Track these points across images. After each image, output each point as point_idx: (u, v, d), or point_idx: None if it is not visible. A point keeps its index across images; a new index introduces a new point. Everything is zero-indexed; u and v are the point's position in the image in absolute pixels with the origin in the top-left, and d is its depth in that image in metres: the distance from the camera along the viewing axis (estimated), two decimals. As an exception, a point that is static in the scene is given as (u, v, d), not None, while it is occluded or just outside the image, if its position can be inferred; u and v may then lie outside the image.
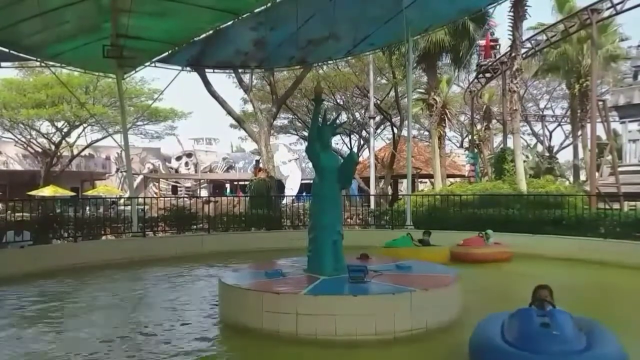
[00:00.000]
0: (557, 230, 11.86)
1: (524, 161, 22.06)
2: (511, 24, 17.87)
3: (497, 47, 24.01)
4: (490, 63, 23.07)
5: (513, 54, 18.02)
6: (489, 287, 8.28)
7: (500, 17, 71.23)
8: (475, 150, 26.50)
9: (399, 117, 26.60)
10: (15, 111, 29.62)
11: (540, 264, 10.54)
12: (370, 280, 5.92)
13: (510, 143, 21.40)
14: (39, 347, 5.24)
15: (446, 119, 24.83)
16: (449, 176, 27.05)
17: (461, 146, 39.85)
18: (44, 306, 7.24)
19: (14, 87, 30.05)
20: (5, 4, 10.34)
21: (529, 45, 21.22)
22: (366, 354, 4.99)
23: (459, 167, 31.36)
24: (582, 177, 27.02)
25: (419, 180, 32.41)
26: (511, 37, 18.02)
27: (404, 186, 31.01)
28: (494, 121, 30.42)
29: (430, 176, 27.54)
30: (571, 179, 31.84)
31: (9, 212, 12.19)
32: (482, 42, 22.91)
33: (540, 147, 41.93)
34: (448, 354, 4.97)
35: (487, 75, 23.91)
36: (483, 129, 29.02)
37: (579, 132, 27.60)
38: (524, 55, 19.81)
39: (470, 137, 30.37)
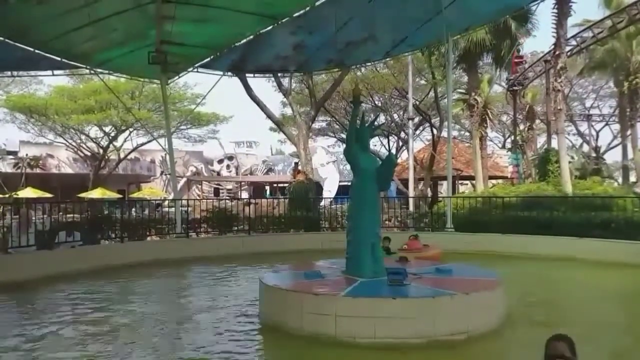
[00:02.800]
0: (605, 233, 11.43)
1: (569, 162, 21.34)
2: (555, 21, 17.36)
3: (523, 63, 24.45)
4: (517, 78, 22.80)
5: (557, 52, 17.48)
6: (530, 292, 8.08)
7: (544, 15, 69.14)
8: (518, 151, 25.86)
9: (438, 118, 26.25)
10: (66, 117, 30.98)
11: (585, 268, 10.21)
12: (410, 283, 5.91)
13: (554, 143, 20.83)
14: (115, 323, 5.74)
15: (488, 119, 24.34)
16: (490, 178, 26.49)
17: (503, 147, 38.93)
18: (105, 297, 7.92)
19: (66, 93, 31.44)
20: (58, 15, 10.86)
21: (574, 42, 20.58)
22: (406, 358, 4.97)
23: (501, 168, 30.64)
24: (632, 179, 25.93)
25: (460, 182, 31.87)
26: (555, 34, 17.51)
27: (443, 188, 30.56)
28: (537, 121, 29.61)
29: (471, 178, 27.03)
30: (620, 180, 30.58)
31: (61, 213, 12.77)
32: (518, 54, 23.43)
33: (586, 148, 40.46)
34: None
35: (516, 88, 23.88)
36: (526, 129, 28.27)
37: (629, 132, 26.53)
38: (568, 53, 19.22)
39: (512, 137, 29.65)
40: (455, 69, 23.32)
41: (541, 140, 32.92)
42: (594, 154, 37.58)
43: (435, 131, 26.02)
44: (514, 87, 23.83)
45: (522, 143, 27.42)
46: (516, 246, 11.83)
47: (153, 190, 35.20)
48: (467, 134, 33.76)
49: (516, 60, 23.61)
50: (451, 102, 17.40)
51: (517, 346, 5.52)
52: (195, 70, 15.12)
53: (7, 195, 27.51)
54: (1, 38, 11.48)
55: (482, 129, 23.50)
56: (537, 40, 48.37)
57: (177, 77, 16.33)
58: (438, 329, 5.19)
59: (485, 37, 20.32)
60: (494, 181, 27.80)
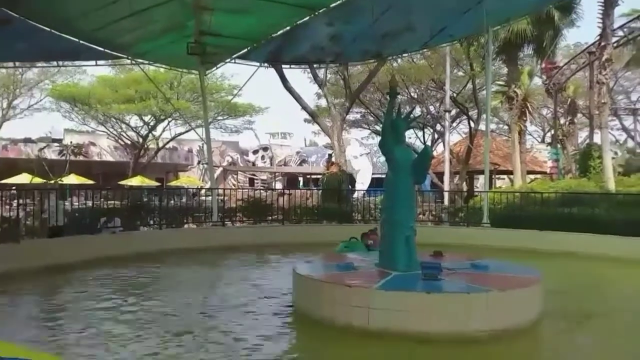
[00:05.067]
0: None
1: (612, 158, 20.63)
2: (601, 11, 16.71)
3: (556, 69, 24.16)
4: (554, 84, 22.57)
5: (603, 43, 16.85)
6: (569, 291, 7.89)
7: (589, 4, 66.32)
8: (559, 146, 25.12)
9: (476, 111, 25.76)
10: (108, 106, 31.91)
11: (629, 268, 9.90)
12: (444, 278, 5.86)
13: (597, 138, 20.09)
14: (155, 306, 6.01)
15: (527, 112, 23.68)
16: (529, 173, 25.88)
17: (543, 141, 37.93)
18: (145, 282, 8.35)
19: (107, 83, 32.37)
20: (101, 6, 11.15)
21: (620, 33, 19.75)
22: (439, 353, 4.94)
23: (540, 163, 29.86)
24: (681, 176, 24.75)
25: (497, 176, 31.22)
26: (600, 25, 16.86)
27: (480, 182, 30.04)
28: (579, 115, 28.64)
29: (509, 172, 26.48)
30: (667, 177, 29.30)
31: (102, 199, 13.19)
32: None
33: (631, 143, 38.94)
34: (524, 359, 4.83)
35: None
36: (567, 123, 27.39)
37: (678, 127, 25.37)
38: (615, 45, 18.47)
39: (552, 131, 28.81)
40: (494, 61, 22.78)
41: (583, 134, 31.91)
42: (639, 150, 36.16)
43: (472, 124, 25.56)
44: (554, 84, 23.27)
45: (563, 137, 26.59)
46: (555, 243, 11.54)
47: (190, 179, 35.92)
48: (506, 127, 33.02)
49: (550, 66, 23.02)
50: (490, 94, 17.00)
51: (552, 345, 5.42)
52: (233, 61, 15.26)
53: (52, 181, 28.59)
54: (48, 29, 11.88)
55: (521, 123, 22.92)
56: (581, 31, 46.72)
57: (215, 68, 16.53)
58: (472, 325, 5.13)
59: (526, 27, 19.75)
60: (532, 176, 27.11)
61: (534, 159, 29.99)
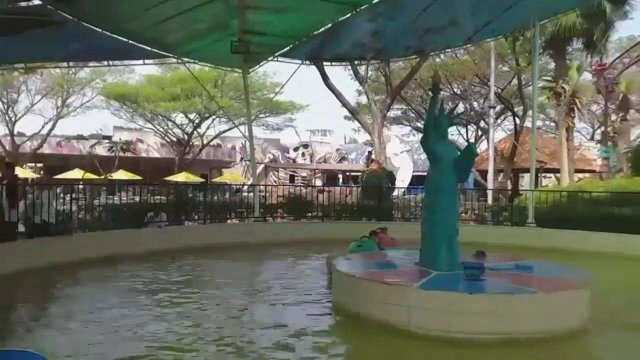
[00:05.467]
0: None
1: (670, 156, 19.63)
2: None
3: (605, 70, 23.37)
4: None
5: (660, 36, 16.06)
6: (620, 295, 7.58)
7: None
8: (609, 144, 24.10)
9: (521, 107, 25.07)
10: (155, 104, 32.88)
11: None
12: (487, 278, 5.76)
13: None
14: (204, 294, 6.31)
15: (576, 108, 22.86)
16: (577, 171, 24.99)
17: (592, 139, 36.46)
18: (192, 275, 8.78)
19: (154, 82, 33.34)
20: (149, 7, 11.50)
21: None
22: (482, 355, 4.87)
23: (589, 161, 28.74)
24: None
25: (543, 175, 30.30)
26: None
27: (525, 181, 29.22)
28: (632, 111, 27.40)
29: (555, 171, 25.65)
30: None
31: (149, 195, 13.62)
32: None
33: (689, 141, 36.92)
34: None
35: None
36: (619, 120, 26.26)
37: None
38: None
39: (603, 128, 27.68)
40: (541, 55, 22.09)
41: (636, 132, 30.57)
42: (698, 148, 34.26)
43: (517, 120, 24.90)
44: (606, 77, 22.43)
45: (614, 135, 25.52)
46: (606, 244, 11.15)
47: (233, 175, 36.57)
48: (553, 124, 31.95)
49: (599, 67, 22.19)
50: (537, 90, 16.50)
51: (600, 351, 5.26)
52: (275, 59, 15.41)
53: (102, 177, 29.76)
54: (99, 30, 12.35)
55: (569, 119, 22.18)
56: (635, 24, 44.59)
57: (257, 66, 16.72)
58: (516, 327, 5.03)
59: (575, 20, 19.04)
60: (580, 175, 26.17)
61: (583, 157, 28.90)
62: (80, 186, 14.94)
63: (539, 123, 32.75)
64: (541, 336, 5.03)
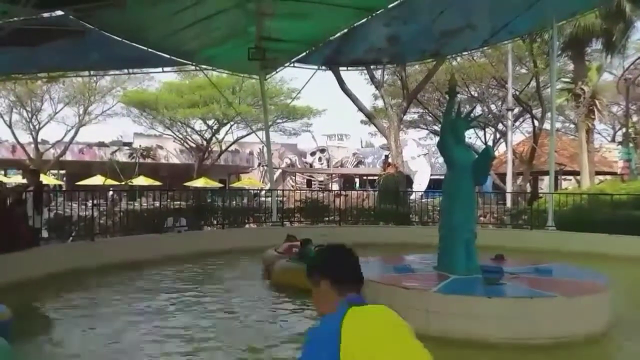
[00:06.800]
0: None
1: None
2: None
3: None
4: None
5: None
6: (637, 296, 7.49)
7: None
8: (631, 145, 23.69)
9: (540, 109, 24.79)
10: (174, 111, 33.34)
11: None
12: (506, 282, 5.73)
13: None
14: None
15: (595, 110, 22.53)
16: (597, 173, 24.57)
17: (613, 140, 35.88)
18: (211, 275, 9.16)
19: (173, 89, 33.82)
20: (168, 15, 11.72)
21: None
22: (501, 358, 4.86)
23: (610, 163, 28.25)
24: None
25: (563, 177, 29.87)
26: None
27: (544, 184, 28.84)
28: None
29: (576, 173, 25.30)
30: None
31: (169, 200, 13.82)
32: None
33: None
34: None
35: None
36: (640, 121, 25.85)
37: None
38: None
39: (624, 130, 27.22)
40: (559, 57, 21.86)
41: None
42: None
43: (536, 123, 24.63)
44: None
45: (636, 136, 25.10)
46: (627, 248, 10.97)
47: (251, 180, 36.86)
48: (572, 126, 31.54)
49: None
50: (555, 91, 16.33)
51: (619, 355, 5.21)
52: (292, 65, 15.54)
53: (123, 182, 30.24)
54: (119, 39, 12.61)
55: (589, 121, 21.85)
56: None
57: (274, 72, 16.87)
58: (535, 332, 5.00)
59: (594, 21, 18.80)
60: (601, 177, 25.74)
61: (603, 159, 28.43)
62: (110, 192, 15.19)
63: (558, 125, 32.40)
64: (561, 340, 4.99)
